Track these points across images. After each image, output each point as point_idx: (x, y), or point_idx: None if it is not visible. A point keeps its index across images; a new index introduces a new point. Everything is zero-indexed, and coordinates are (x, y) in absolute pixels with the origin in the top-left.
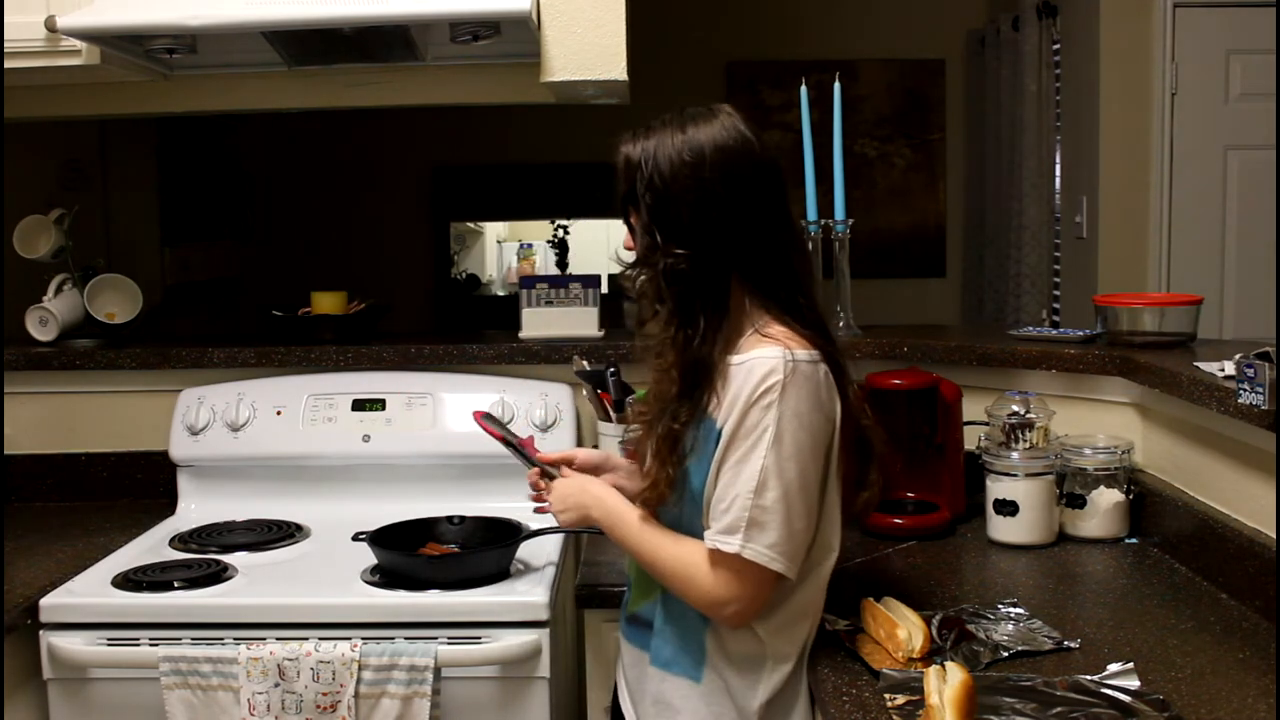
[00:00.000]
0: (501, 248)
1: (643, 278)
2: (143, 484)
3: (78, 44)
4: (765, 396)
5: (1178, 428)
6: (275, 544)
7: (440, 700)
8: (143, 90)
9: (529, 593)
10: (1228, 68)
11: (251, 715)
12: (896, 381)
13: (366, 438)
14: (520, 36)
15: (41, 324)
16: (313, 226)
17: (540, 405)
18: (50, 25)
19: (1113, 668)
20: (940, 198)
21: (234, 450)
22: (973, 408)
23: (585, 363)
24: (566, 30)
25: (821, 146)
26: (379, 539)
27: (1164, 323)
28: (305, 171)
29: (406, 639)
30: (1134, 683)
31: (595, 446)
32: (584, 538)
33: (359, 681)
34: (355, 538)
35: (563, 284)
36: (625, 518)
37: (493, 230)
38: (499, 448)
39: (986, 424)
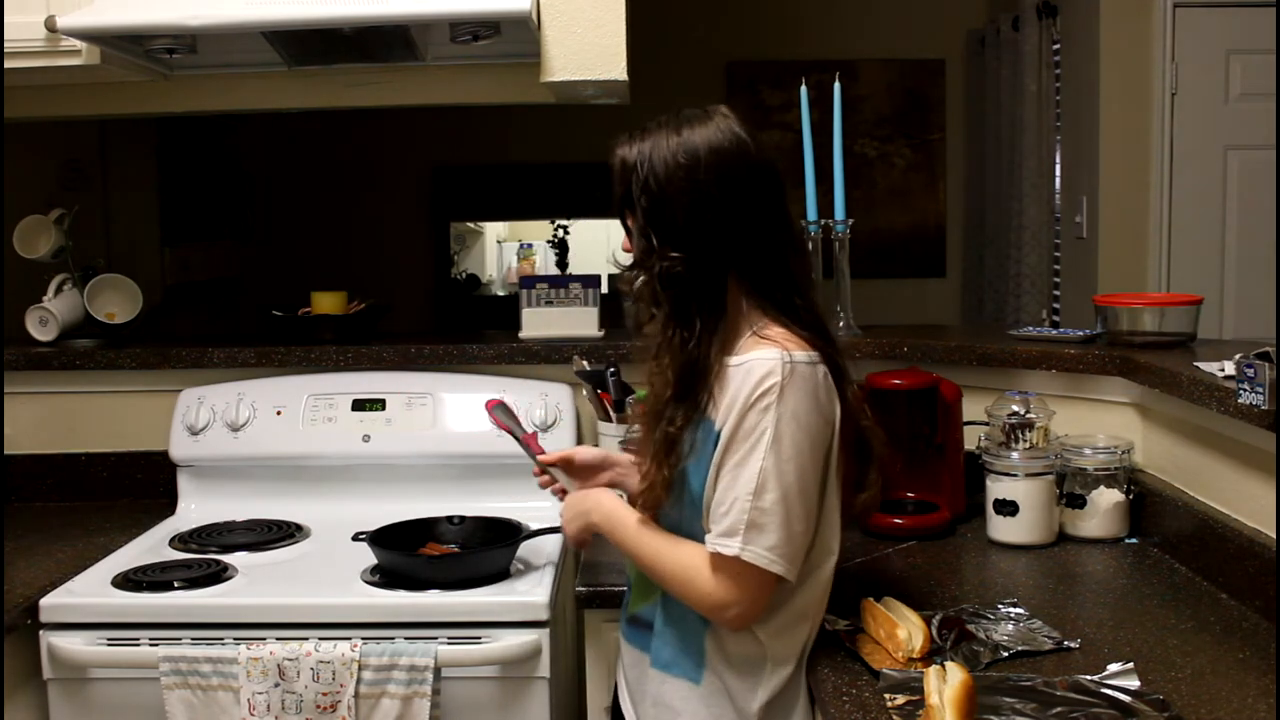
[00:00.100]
0: (501, 248)
1: (639, 280)
2: (143, 484)
3: (78, 44)
4: (763, 398)
5: (1178, 428)
6: (275, 544)
7: (440, 700)
8: (143, 90)
9: (529, 593)
10: (1228, 68)
11: (251, 715)
12: (896, 381)
13: (366, 438)
14: (520, 36)
15: (41, 324)
16: (313, 226)
17: (540, 405)
18: (50, 25)
19: (1113, 668)
20: (940, 198)
21: (234, 450)
22: (973, 408)
23: (585, 363)
24: (566, 30)
25: (821, 146)
26: (379, 539)
27: (1164, 323)
28: (305, 171)
29: (406, 639)
30: (1134, 683)
31: (595, 445)
32: None
33: (359, 681)
34: (355, 538)
35: (563, 284)
36: (624, 521)
37: (493, 230)
38: (499, 447)
39: (986, 424)
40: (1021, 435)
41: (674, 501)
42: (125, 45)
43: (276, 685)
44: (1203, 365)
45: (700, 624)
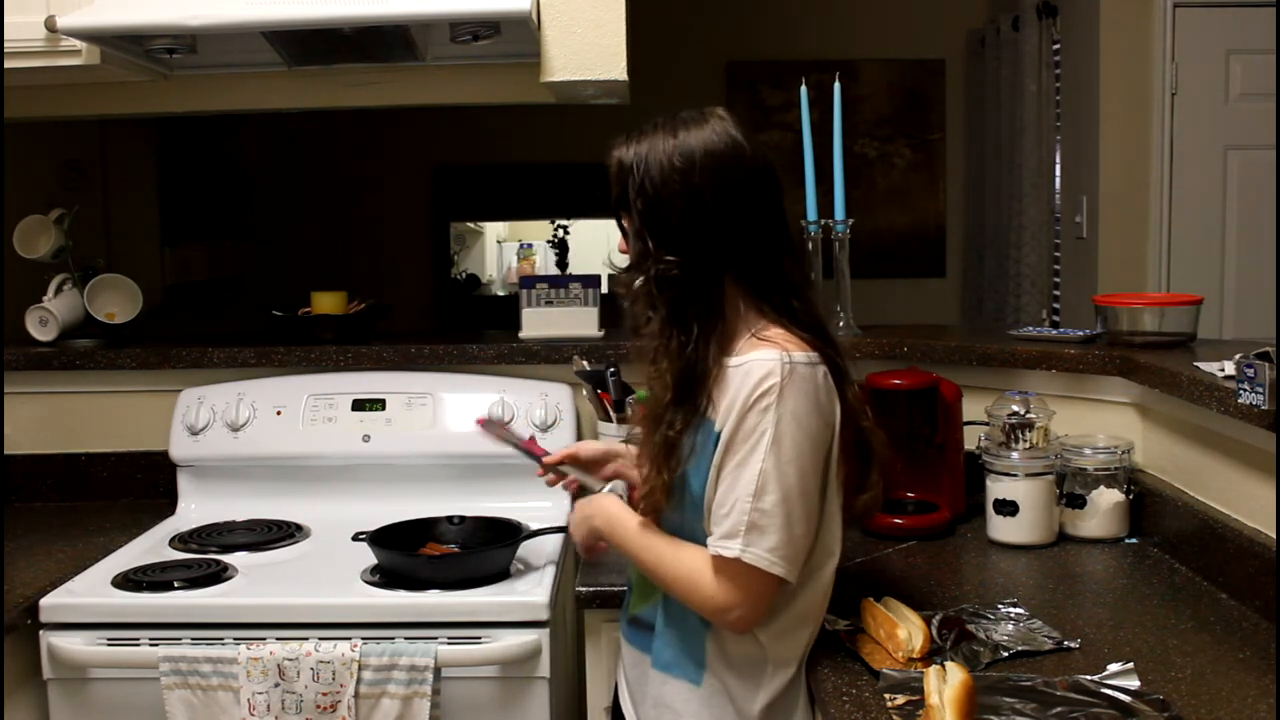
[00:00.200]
0: (501, 248)
1: (635, 283)
2: (143, 484)
3: (78, 44)
4: (763, 399)
5: (1178, 428)
6: (275, 544)
7: (440, 700)
8: (143, 90)
9: (529, 593)
10: (1228, 68)
11: (251, 715)
12: (896, 381)
13: (366, 438)
14: (520, 36)
15: (41, 324)
16: (313, 226)
17: (540, 405)
18: (50, 25)
19: (1113, 668)
20: (940, 198)
21: (234, 450)
22: (973, 408)
23: (585, 363)
24: (566, 30)
25: (821, 146)
26: (379, 539)
27: (1164, 323)
28: (305, 171)
29: (406, 639)
30: (1134, 683)
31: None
32: None
33: (359, 681)
34: (355, 538)
35: (563, 284)
36: (626, 524)
37: (493, 230)
38: (499, 448)
39: (986, 424)
40: (1021, 435)
41: (675, 504)
42: (125, 45)
43: (276, 685)
44: (1203, 365)
45: (701, 626)
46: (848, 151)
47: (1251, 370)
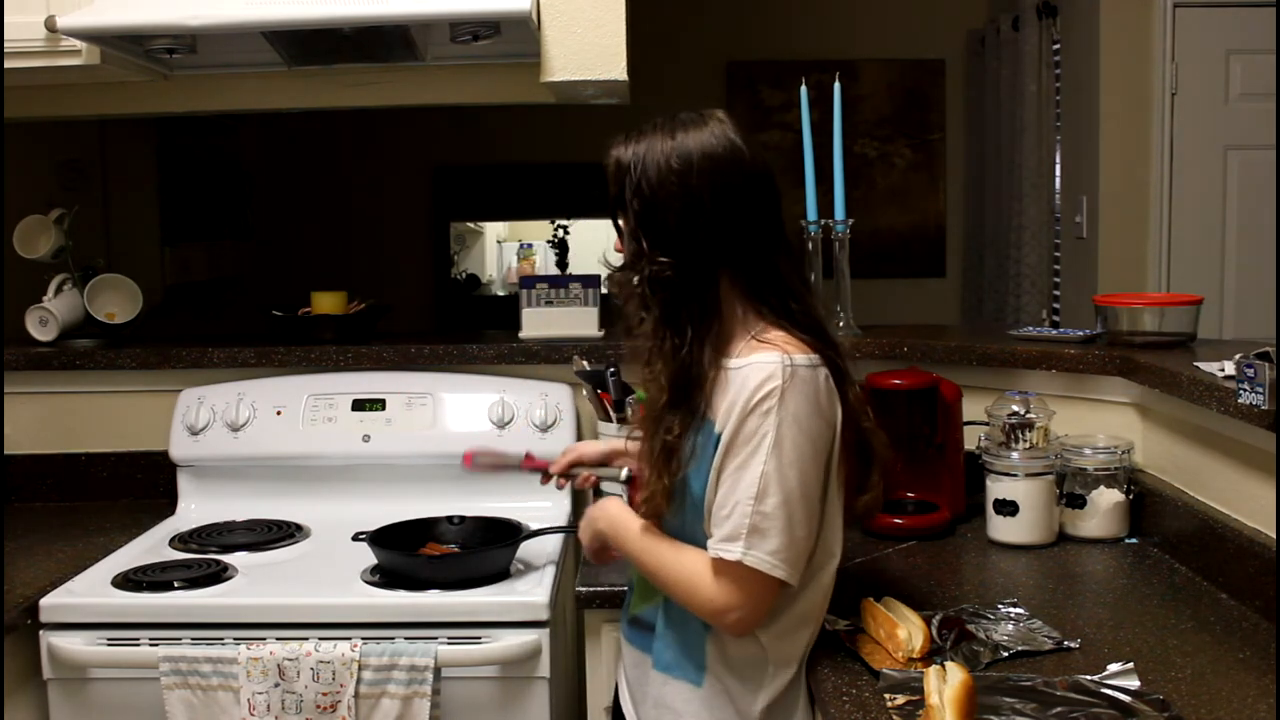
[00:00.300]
0: (501, 248)
1: (629, 283)
2: (143, 484)
3: (78, 44)
4: (764, 402)
5: (1178, 428)
6: (275, 544)
7: (440, 700)
8: (143, 90)
9: (529, 593)
10: (1228, 68)
11: (251, 715)
12: (896, 381)
13: (366, 438)
14: (520, 36)
15: (41, 324)
16: (313, 226)
17: (540, 405)
18: (50, 25)
19: (1113, 668)
20: (940, 198)
21: (234, 450)
22: (973, 408)
23: (585, 363)
24: (566, 30)
25: (821, 146)
26: (379, 539)
27: (1164, 323)
28: (305, 171)
29: (406, 639)
30: (1134, 683)
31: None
32: None
33: (359, 681)
34: (355, 538)
35: (563, 284)
36: (628, 528)
37: (493, 230)
38: (499, 448)
39: (986, 424)
40: (1021, 435)
41: (676, 507)
42: (125, 45)
43: (276, 685)
44: (1203, 365)
45: (702, 627)
46: (848, 151)
47: (1251, 370)
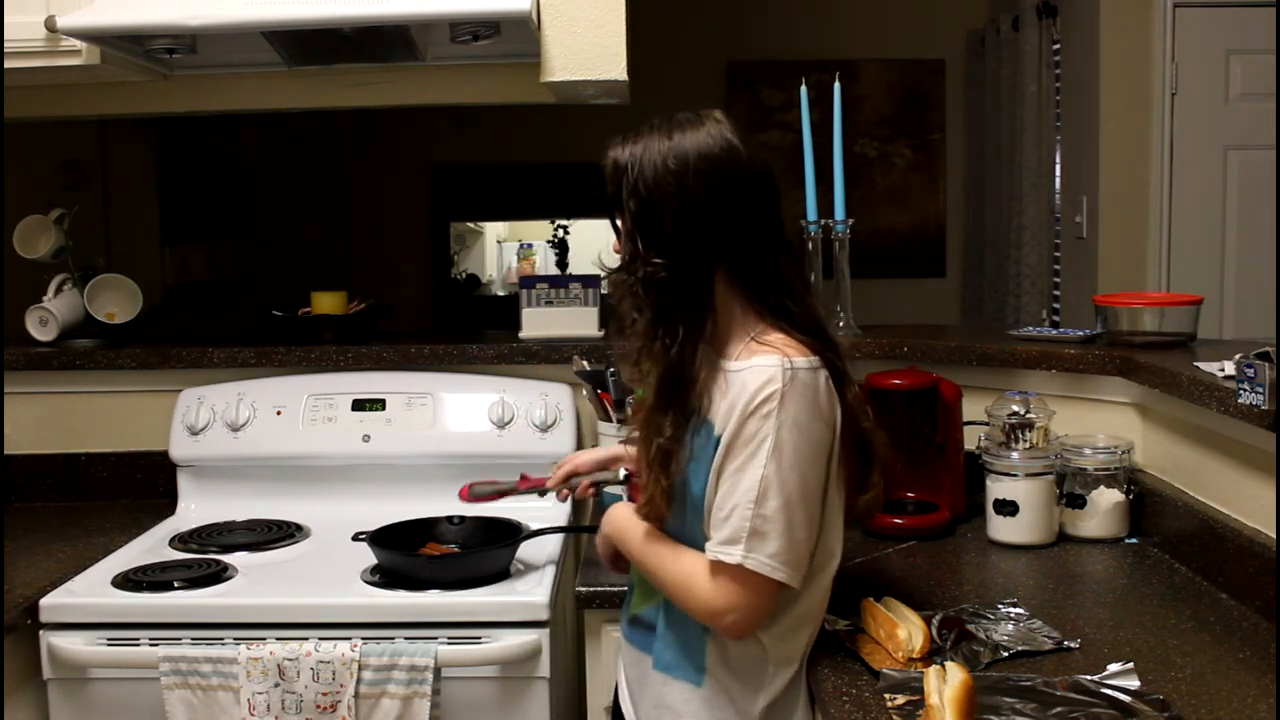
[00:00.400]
0: (501, 248)
1: (624, 283)
2: (143, 484)
3: (78, 44)
4: (764, 405)
5: (1178, 428)
6: (275, 544)
7: (440, 700)
8: (143, 90)
9: (529, 593)
10: (1228, 68)
11: (251, 715)
12: (896, 381)
13: (366, 438)
14: (520, 36)
15: (41, 324)
16: (313, 226)
17: (540, 405)
18: (50, 25)
19: (1113, 668)
20: (940, 198)
21: (234, 450)
22: (973, 408)
23: (585, 363)
24: (566, 30)
25: (821, 146)
26: (379, 539)
27: (1164, 323)
28: (305, 171)
29: (406, 639)
30: (1134, 683)
31: (595, 445)
32: (584, 537)
33: (359, 681)
34: (355, 538)
35: (563, 284)
36: (631, 531)
37: (493, 230)
38: (499, 448)
39: (986, 424)
40: (1021, 435)
41: (677, 508)
42: (125, 45)
43: (276, 685)
44: (1203, 365)
45: (702, 627)
46: (847, 151)
47: (1251, 370)
